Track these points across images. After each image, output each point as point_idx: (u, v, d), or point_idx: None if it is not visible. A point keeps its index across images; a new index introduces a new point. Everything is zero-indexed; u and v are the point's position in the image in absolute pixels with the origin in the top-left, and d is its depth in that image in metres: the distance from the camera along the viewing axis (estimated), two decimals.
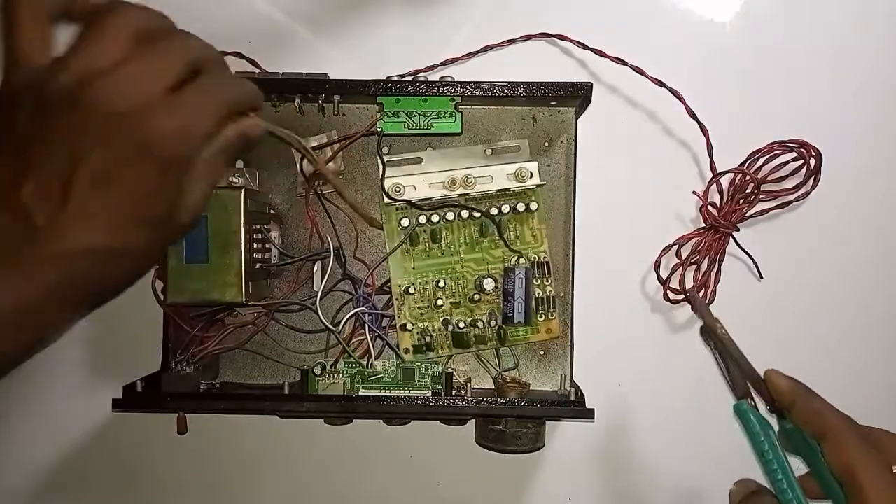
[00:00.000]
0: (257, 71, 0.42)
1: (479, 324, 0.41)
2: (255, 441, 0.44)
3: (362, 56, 0.45)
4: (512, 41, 0.44)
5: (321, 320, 0.40)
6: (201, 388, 0.40)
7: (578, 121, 0.42)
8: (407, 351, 0.41)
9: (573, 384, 0.41)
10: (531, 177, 0.41)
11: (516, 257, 0.41)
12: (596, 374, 0.43)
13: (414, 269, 0.42)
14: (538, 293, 0.42)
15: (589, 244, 0.43)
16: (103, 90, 0.25)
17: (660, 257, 0.44)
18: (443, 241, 0.42)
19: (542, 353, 0.43)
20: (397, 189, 0.41)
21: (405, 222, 0.41)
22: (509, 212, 0.42)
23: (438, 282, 0.42)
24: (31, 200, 0.25)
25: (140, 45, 0.26)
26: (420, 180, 0.41)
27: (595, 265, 0.43)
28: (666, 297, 0.44)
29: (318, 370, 0.40)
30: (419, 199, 0.41)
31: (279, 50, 0.45)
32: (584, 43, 0.43)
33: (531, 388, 0.42)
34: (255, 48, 0.43)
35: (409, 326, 0.41)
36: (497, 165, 0.41)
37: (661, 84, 0.42)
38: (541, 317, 0.42)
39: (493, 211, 0.42)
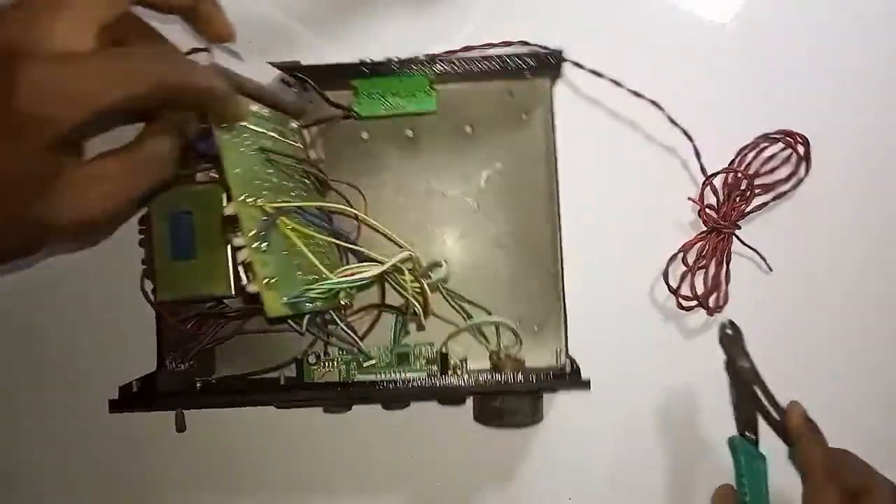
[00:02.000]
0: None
1: None
2: (255, 434, 0.45)
3: (362, 57, 0.44)
4: (492, 45, 0.43)
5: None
6: (197, 384, 0.40)
7: (560, 124, 0.42)
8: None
9: (568, 356, 0.41)
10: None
11: None
12: (610, 386, 0.43)
13: None
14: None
15: (589, 260, 0.43)
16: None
17: (667, 267, 0.43)
18: None
19: (535, 328, 0.43)
20: None
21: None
22: None
23: None
24: None
25: None
26: None
27: (598, 281, 0.43)
28: (680, 306, 0.43)
29: (312, 359, 0.40)
30: None
31: (279, 50, 0.44)
32: (562, 55, 0.41)
33: (527, 364, 0.41)
34: (254, 48, 0.42)
35: None
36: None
37: (639, 95, 0.42)
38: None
39: None
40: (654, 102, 0.42)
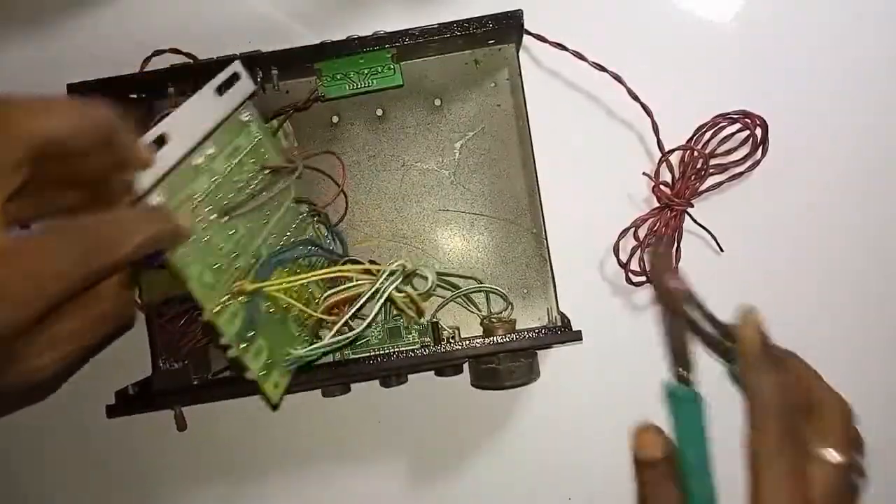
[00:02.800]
0: (191, 62, 0.42)
1: None
2: (257, 427, 0.45)
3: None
4: (454, 23, 0.42)
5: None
6: (195, 382, 0.40)
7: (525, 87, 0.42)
8: None
9: (559, 312, 0.41)
10: None
11: None
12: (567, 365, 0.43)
13: None
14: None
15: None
16: None
17: (618, 241, 0.43)
18: None
19: (525, 291, 0.43)
20: None
21: None
22: None
23: None
24: None
25: None
26: None
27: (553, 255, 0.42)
28: (628, 281, 0.43)
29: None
30: None
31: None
32: (526, 28, 0.41)
33: (519, 326, 0.42)
34: (254, 48, 0.42)
35: None
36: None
37: (601, 68, 0.42)
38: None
39: None
40: (615, 76, 0.42)
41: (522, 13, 0.39)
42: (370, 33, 0.40)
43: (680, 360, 0.33)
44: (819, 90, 0.45)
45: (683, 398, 0.32)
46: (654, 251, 0.41)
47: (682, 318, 0.33)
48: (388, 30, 0.40)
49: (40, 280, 0.23)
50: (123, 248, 0.25)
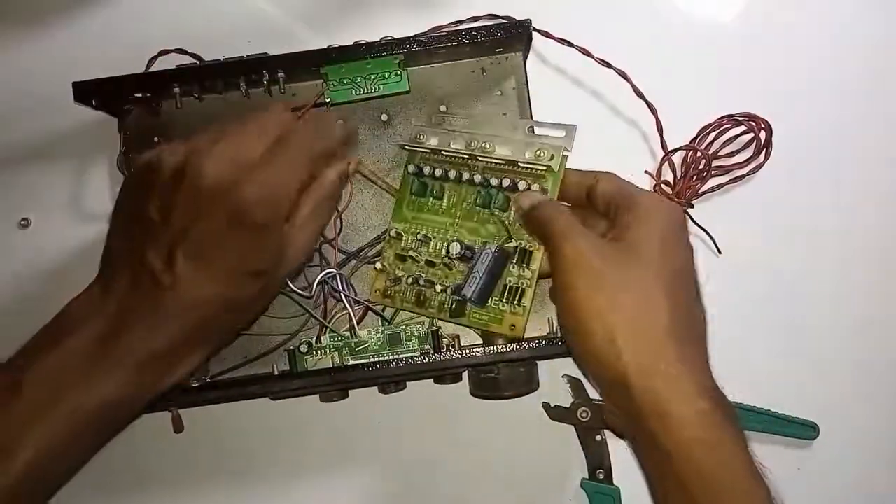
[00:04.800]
0: (196, 62, 0.42)
1: (440, 288, 0.40)
2: (253, 431, 0.44)
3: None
4: (460, 22, 0.43)
5: (293, 289, 0.40)
6: (193, 384, 0.40)
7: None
8: (376, 291, 0.41)
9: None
10: (550, 159, 0.38)
11: (504, 237, 0.39)
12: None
13: (412, 217, 0.41)
14: (511, 281, 0.39)
15: None
16: (199, 170, 0.32)
17: None
18: (445, 200, 0.41)
19: None
20: (419, 136, 0.41)
21: (412, 168, 0.41)
22: (514, 188, 0.39)
23: (426, 235, 0.41)
24: (154, 263, 0.32)
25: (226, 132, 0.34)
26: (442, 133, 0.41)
27: None
28: None
29: (304, 348, 0.40)
30: (433, 148, 0.41)
31: (279, 49, 0.42)
32: (530, 24, 0.41)
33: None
34: (254, 48, 0.42)
35: (385, 268, 0.41)
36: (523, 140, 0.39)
37: (607, 65, 0.42)
38: (505, 304, 0.39)
39: (505, 183, 0.39)
40: (621, 73, 0.42)
41: (531, 22, 0.39)
42: (378, 38, 0.40)
43: (598, 463, 0.42)
44: (824, 95, 0.45)
45: (601, 492, 0.42)
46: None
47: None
48: (395, 33, 0.40)
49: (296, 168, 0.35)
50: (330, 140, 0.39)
